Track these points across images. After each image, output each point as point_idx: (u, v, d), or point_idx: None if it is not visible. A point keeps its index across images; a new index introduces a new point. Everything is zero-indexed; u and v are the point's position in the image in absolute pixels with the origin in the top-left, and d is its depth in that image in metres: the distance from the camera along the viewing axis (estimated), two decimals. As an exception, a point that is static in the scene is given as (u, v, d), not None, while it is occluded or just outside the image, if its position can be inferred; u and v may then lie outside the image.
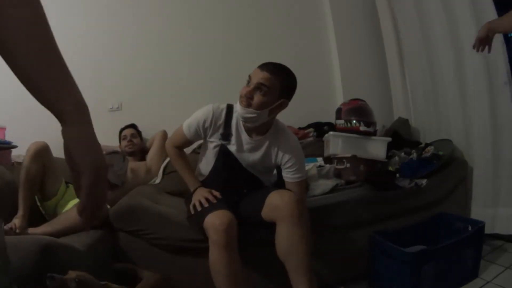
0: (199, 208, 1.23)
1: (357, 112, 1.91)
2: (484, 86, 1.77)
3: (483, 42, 1.38)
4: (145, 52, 2.31)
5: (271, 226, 1.21)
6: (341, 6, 2.64)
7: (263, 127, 1.29)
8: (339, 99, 2.53)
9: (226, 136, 1.29)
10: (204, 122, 1.29)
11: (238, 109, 1.24)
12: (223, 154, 1.31)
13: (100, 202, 0.49)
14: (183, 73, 2.38)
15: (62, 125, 0.47)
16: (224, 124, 1.30)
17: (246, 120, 1.24)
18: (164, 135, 2.16)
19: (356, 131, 1.88)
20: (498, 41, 1.71)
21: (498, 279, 1.45)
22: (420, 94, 2.36)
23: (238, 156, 1.31)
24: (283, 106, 1.25)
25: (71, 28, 2.16)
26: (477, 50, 1.41)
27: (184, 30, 2.39)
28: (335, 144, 1.90)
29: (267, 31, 2.58)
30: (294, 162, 1.29)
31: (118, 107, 2.26)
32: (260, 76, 1.18)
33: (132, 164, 1.99)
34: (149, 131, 2.25)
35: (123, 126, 2.16)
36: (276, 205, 1.18)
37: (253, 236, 1.32)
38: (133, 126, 2.15)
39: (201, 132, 1.32)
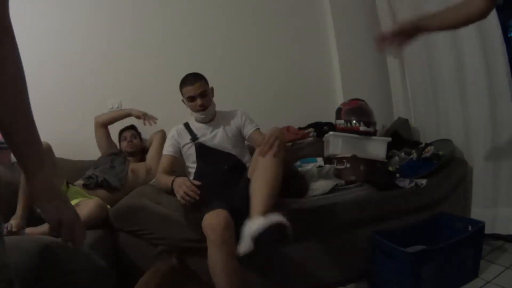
0: (187, 201, 1.28)
1: (357, 112, 1.91)
2: (484, 86, 1.77)
3: (398, 38, 1.08)
4: (145, 52, 2.31)
5: None
6: (341, 6, 2.64)
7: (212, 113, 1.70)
8: (339, 99, 2.53)
9: (194, 137, 1.65)
10: (173, 136, 1.69)
11: (198, 116, 1.66)
12: (199, 147, 1.62)
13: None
14: (183, 73, 2.37)
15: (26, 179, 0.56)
16: (187, 130, 1.68)
17: (209, 117, 1.68)
18: (163, 134, 2.16)
19: (356, 131, 1.88)
20: (498, 41, 1.71)
21: (498, 279, 1.45)
22: (420, 94, 2.35)
23: (210, 144, 1.62)
24: (212, 90, 1.71)
25: (72, 29, 2.17)
26: (379, 45, 1.11)
27: (184, 30, 2.39)
28: (335, 144, 1.90)
29: (267, 32, 2.58)
30: (245, 117, 1.72)
31: (118, 107, 2.26)
32: (198, 87, 1.59)
33: (132, 165, 1.99)
34: (149, 130, 2.25)
35: (123, 126, 2.16)
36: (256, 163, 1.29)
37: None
38: (132, 127, 2.16)
39: (177, 143, 1.67)
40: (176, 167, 1.67)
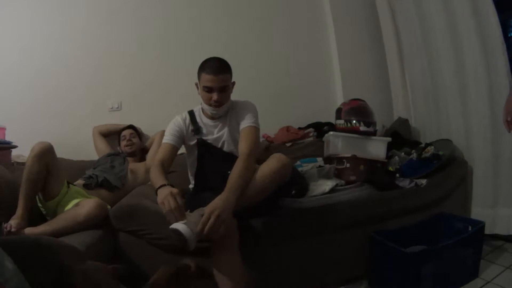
0: (164, 212, 1.11)
1: (357, 112, 1.91)
2: (484, 86, 1.77)
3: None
4: (145, 52, 2.31)
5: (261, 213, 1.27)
6: (341, 6, 2.64)
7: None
8: (339, 99, 2.53)
9: (197, 130, 1.47)
10: (176, 124, 1.48)
11: (208, 110, 1.43)
12: (202, 145, 1.45)
13: None
14: (183, 73, 2.38)
15: None
16: (191, 122, 1.49)
17: (220, 114, 1.45)
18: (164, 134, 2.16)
19: (356, 131, 1.88)
20: (498, 41, 1.71)
21: (498, 279, 1.45)
22: (420, 94, 2.36)
23: (214, 143, 1.46)
24: (233, 85, 1.45)
25: (72, 29, 2.17)
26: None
27: (185, 30, 2.39)
28: (335, 144, 1.90)
29: (268, 32, 2.58)
30: (247, 113, 1.44)
31: (118, 107, 2.26)
32: (220, 81, 1.35)
33: (131, 165, 1.99)
34: (149, 131, 2.26)
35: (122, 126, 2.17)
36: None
37: (253, 234, 1.32)
38: (131, 127, 2.16)
39: (181, 132, 1.47)
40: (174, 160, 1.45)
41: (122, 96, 2.27)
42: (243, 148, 1.32)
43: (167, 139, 1.44)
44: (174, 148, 1.43)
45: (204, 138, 1.46)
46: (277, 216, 1.40)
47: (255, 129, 1.40)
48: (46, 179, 1.47)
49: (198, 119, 1.49)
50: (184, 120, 1.48)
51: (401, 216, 1.60)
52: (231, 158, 1.38)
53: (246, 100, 1.53)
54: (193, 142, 1.47)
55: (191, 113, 1.51)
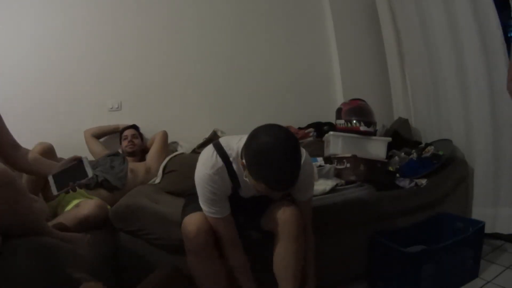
0: None
1: (357, 112, 1.91)
2: (484, 86, 1.77)
3: None
4: (145, 52, 2.31)
5: (266, 233, 1.19)
6: (341, 6, 2.64)
7: None
8: (339, 99, 2.53)
9: (236, 183, 1.12)
10: (216, 189, 1.08)
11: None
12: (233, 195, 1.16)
13: None
14: (183, 73, 2.38)
15: None
16: (229, 177, 1.10)
17: None
18: (164, 135, 2.16)
19: (356, 131, 1.88)
20: (498, 41, 1.71)
21: (498, 279, 1.45)
22: (420, 94, 2.36)
23: (244, 195, 1.20)
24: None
25: (72, 29, 2.17)
26: None
27: (185, 30, 2.39)
28: (335, 144, 1.90)
29: (268, 32, 2.58)
30: (310, 184, 1.23)
31: (118, 107, 2.26)
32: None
33: (131, 164, 1.98)
34: (149, 131, 2.26)
35: (123, 126, 2.17)
36: (277, 218, 1.13)
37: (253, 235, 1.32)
38: (134, 127, 2.16)
39: (223, 198, 1.11)
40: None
41: (122, 96, 2.27)
42: (308, 221, 1.23)
43: (214, 212, 1.10)
44: (231, 218, 1.13)
45: (241, 194, 1.18)
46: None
47: (311, 201, 1.27)
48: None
49: (237, 172, 1.09)
50: (222, 176, 1.08)
51: (401, 216, 1.60)
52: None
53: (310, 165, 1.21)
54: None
55: (227, 165, 1.08)
